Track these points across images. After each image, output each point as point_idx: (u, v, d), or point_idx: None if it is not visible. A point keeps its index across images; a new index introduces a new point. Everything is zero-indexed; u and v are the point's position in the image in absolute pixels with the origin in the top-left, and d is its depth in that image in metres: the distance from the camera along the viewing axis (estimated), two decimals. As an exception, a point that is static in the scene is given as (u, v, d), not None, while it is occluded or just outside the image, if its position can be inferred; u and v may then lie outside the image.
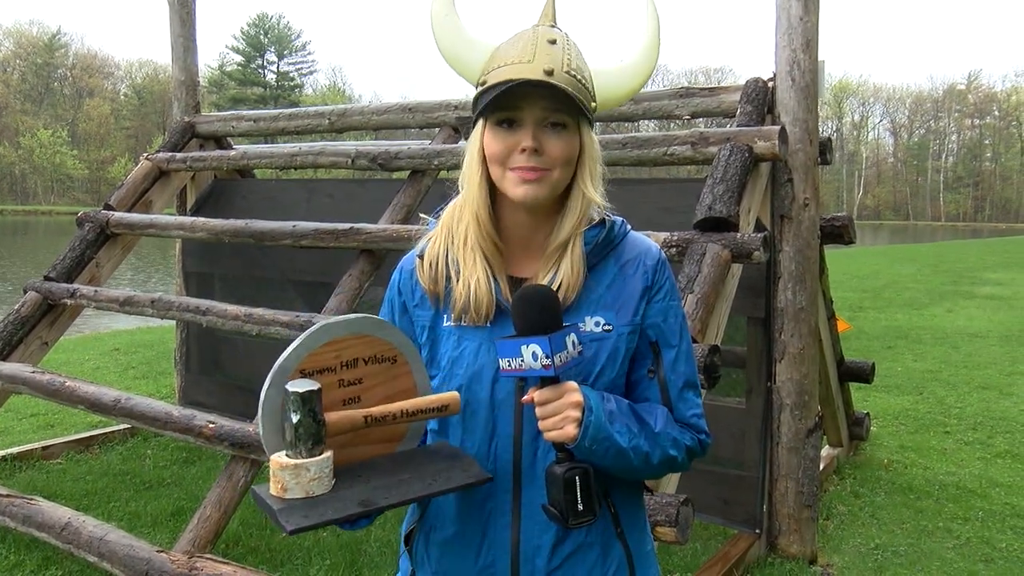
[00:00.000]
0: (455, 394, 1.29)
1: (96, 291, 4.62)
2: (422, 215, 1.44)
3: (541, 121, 1.25)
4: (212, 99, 69.38)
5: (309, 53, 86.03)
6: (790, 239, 3.69)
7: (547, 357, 1.16)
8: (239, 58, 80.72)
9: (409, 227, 3.96)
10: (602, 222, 1.33)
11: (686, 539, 2.57)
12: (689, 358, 1.37)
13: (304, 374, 1.21)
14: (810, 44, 3.58)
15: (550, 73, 1.23)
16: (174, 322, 5.89)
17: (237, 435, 3.50)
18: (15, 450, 4.92)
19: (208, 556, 3.20)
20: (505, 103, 1.25)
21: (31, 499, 3.65)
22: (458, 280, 1.31)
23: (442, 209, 1.39)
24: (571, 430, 1.19)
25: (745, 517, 3.83)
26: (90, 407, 4.01)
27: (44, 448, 5.00)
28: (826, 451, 5.03)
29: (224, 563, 3.15)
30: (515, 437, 1.29)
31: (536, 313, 1.19)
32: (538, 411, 1.21)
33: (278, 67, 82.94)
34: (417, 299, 1.38)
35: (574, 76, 1.25)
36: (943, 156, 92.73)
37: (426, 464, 1.28)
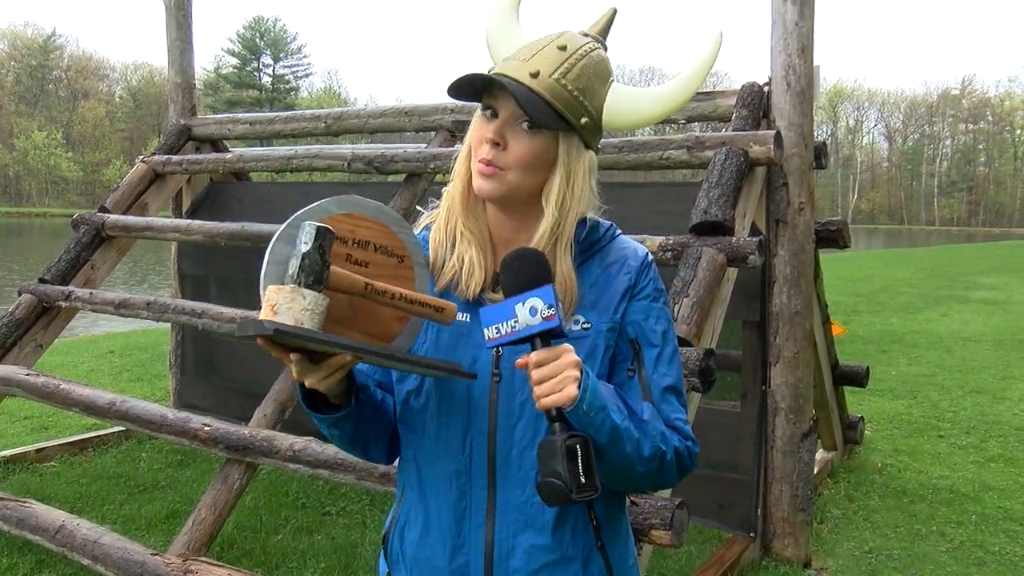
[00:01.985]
0: (452, 304, 1.24)
1: (91, 293, 4.61)
2: (433, 199, 1.41)
3: (514, 119, 1.23)
4: (208, 101, 69.35)
5: (305, 56, 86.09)
6: (785, 243, 3.70)
7: (549, 307, 1.11)
8: (235, 61, 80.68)
9: (405, 230, 3.96)
10: (583, 221, 1.29)
11: (681, 542, 2.57)
12: (673, 362, 1.31)
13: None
14: (805, 49, 3.59)
15: (535, 75, 1.21)
16: (169, 325, 5.89)
17: (232, 438, 3.51)
18: (8, 453, 4.90)
19: (203, 559, 3.20)
20: (489, 94, 1.25)
21: (24, 502, 3.64)
22: (450, 256, 1.31)
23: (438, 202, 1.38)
24: (572, 390, 1.12)
25: (740, 521, 3.84)
26: (85, 410, 4.01)
27: (38, 451, 4.98)
28: (820, 455, 5.04)
29: (219, 566, 3.14)
30: (490, 432, 1.26)
31: (526, 266, 1.16)
32: (535, 374, 1.13)
33: (274, 70, 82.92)
34: None
35: (563, 85, 1.22)
36: (937, 160, 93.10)
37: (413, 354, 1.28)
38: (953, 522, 4.23)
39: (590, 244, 1.31)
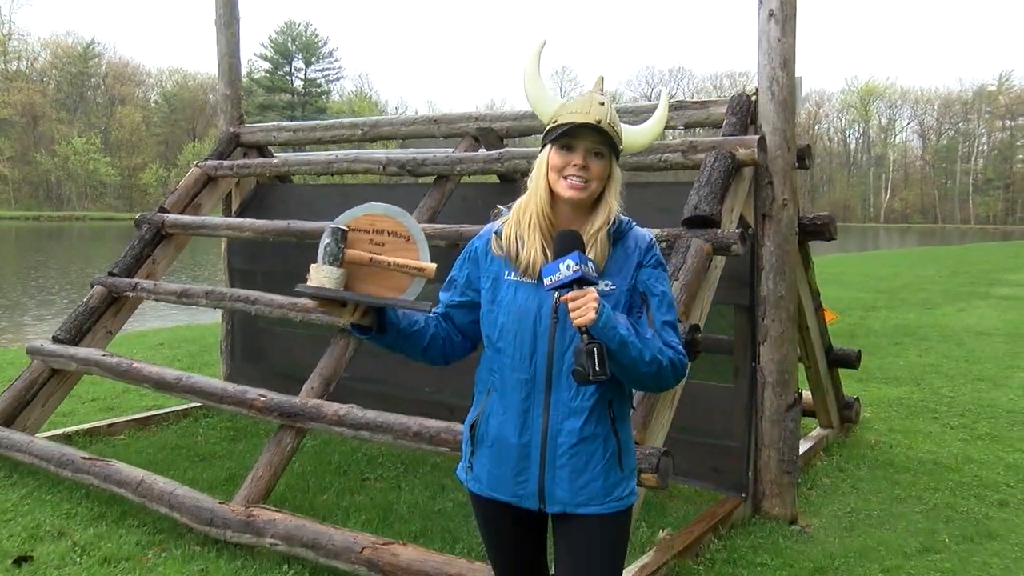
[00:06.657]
0: (432, 265, 1.90)
1: (155, 284, 5.18)
2: (499, 205, 2.08)
3: (589, 150, 1.89)
4: (242, 105, 70.43)
5: (336, 60, 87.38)
6: (771, 235, 4.15)
7: (576, 264, 1.75)
8: (267, 65, 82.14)
9: (434, 226, 4.45)
10: (612, 220, 1.95)
11: (666, 485, 3.03)
12: (670, 307, 1.95)
13: (349, 228, 1.88)
14: (787, 63, 4.04)
15: (598, 122, 1.88)
16: (213, 320, 6.45)
17: (285, 406, 4.04)
18: (84, 427, 5.50)
19: (263, 506, 3.73)
20: (568, 136, 1.89)
21: (108, 461, 4.21)
22: (523, 249, 1.93)
23: (511, 205, 2.01)
24: (591, 314, 1.73)
25: (733, 483, 4.29)
26: (155, 385, 4.57)
27: (109, 426, 5.57)
28: (817, 432, 5.47)
29: (276, 511, 3.68)
30: (549, 353, 1.91)
31: (570, 241, 1.81)
32: (570, 305, 1.74)
33: (305, 74, 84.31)
34: (489, 259, 2.03)
35: (612, 126, 1.91)
36: (973, 158, 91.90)
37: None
38: (931, 488, 4.64)
39: (617, 233, 1.97)
